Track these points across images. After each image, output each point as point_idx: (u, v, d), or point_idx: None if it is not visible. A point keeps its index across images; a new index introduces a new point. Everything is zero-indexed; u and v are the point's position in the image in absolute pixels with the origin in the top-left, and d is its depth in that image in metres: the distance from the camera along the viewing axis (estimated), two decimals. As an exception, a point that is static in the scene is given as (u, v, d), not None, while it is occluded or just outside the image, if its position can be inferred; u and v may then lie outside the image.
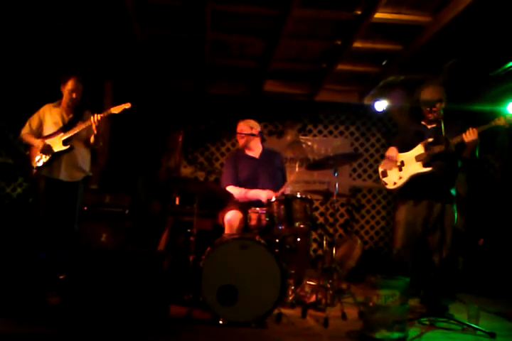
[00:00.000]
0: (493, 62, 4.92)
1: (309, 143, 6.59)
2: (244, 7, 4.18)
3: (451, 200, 3.90)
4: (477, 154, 3.81)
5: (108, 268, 3.22)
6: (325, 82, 5.75)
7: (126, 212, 4.85)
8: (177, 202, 5.06)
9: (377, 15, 4.06)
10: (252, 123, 4.42)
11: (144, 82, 5.93)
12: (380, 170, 4.21)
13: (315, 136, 6.63)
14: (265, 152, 4.46)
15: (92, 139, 4.11)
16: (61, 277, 3.73)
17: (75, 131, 4.03)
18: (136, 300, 3.13)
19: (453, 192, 3.97)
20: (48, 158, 4.06)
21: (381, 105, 5.88)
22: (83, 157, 4.18)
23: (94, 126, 3.95)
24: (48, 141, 4.09)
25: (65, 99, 4.17)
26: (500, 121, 3.55)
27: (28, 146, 4.21)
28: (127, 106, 3.92)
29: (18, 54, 5.29)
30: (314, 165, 4.40)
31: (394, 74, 5.41)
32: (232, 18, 4.44)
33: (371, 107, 6.00)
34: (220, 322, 3.16)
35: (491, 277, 5.29)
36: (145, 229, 5.15)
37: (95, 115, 3.94)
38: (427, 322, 3.39)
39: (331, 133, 6.65)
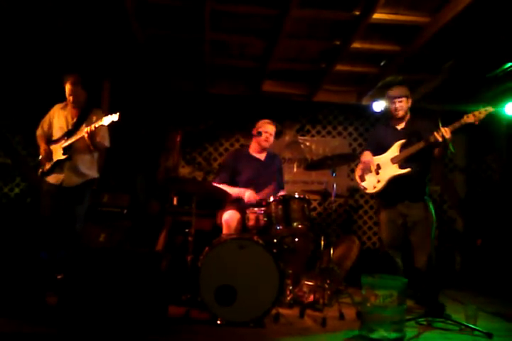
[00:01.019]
0: (491, 63, 4.93)
1: (307, 144, 6.59)
2: (244, 7, 4.18)
3: (426, 199, 4.00)
4: (448, 152, 3.80)
5: (106, 268, 3.22)
6: (323, 83, 5.75)
7: (125, 212, 4.85)
8: (175, 202, 5.06)
9: (376, 15, 4.06)
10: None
11: (143, 81, 5.92)
12: (357, 175, 4.24)
13: (313, 136, 6.63)
14: (269, 155, 4.48)
15: (91, 147, 4.11)
16: (59, 277, 3.73)
17: (72, 140, 4.04)
18: (134, 300, 3.13)
19: (427, 190, 4.07)
20: (49, 165, 4.12)
21: (379, 106, 5.88)
22: (86, 161, 4.18)
23: (86, 137, 3.95)
24: (52, 147, 4.15)
25: (68, 98, 4.18)
26: (470, 119, 3.57)
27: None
28: (115, 118, 3.88)
29: (16, 53, 5.28)
30: (312, 165, 4.40)
31: (392, 74, 5.41)
32: (231, 18, 4.43)
33: (369, 108, 6.00)
34: (218, 322, 3.17)
35: (489, 277, 5.30)
36: (143, 229, 5.14)
37: (88, 127, 3.93)
38: (425, 323, 3.41)
39: (329, 133, 6.66)
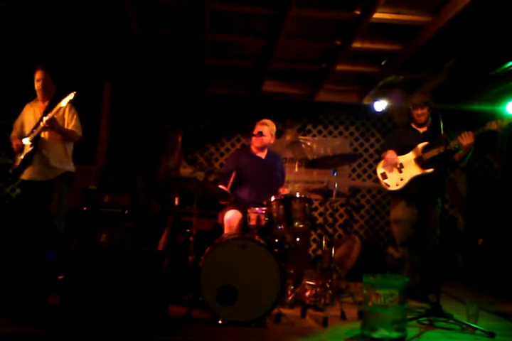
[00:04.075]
0: (492, 62, 4.92)
1: (309, 143, 6.59)
2: (243, 7, 4.18)
3: (437, 199, 4.19)
4: (468, 156, 4.02)
5: (108, 268, 3.22)
6: (324, 82, 5.75)
7: (126, 212, 4.84)
8: (176, 202, 5.06)
9: (376, 15, 4.06)
10: None
11: (143, 82, 5.92)
12: (380, 171, 4.33)
13: (314, 136, 6.63)
14: (270, 154, 4.52)
15: (62, 138, 4.05)
16: (60, 277, 3.72)
17: (38, 131, 3.94)
18: (136, 299, 3.13)
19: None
20: (20, 160, 4.04)
21: (380, 105, 5.87)
22: (57, 154, 4.07)
23: (46, 126, 3.85)
24: (23, 141, 4.07)
25: (37, 93, 4.13)
26: (492, 126, 3.76)
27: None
28: (71, 96, 3.83)
29: (16, 53, 5.28)
30: (313, 163, 4.43)
31: (393, 74, 5.41)
32: (231, 18, 4.44)
33: (370, 107, 6.00)
34: (220, 322, 3.17)
35: (490, 276, 5.30)
36: (144, 229, 5.15)
37: (45, 116, 3.86)
38: (426, 322, 3.40)
39: (330, 133, 6.65)
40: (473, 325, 3.26)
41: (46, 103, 4.15)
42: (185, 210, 4.87)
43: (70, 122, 4.08)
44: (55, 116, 3.90)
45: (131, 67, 5.65)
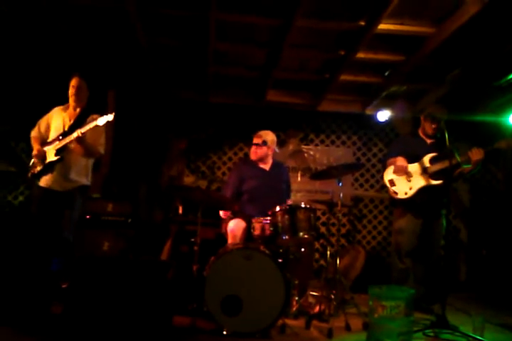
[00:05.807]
0: (496, 73, 4.94)
1: (311, 153, 6.59)
2: (248, 17, 4.20)
3: (442, 211, 4.23)
4: (475, 171, 4.04)
5: (111, 277, 3.21)
6: (328, 92, 5.76)
7: (129, 220, 4.83)
8: (180, 211, 5.05)
9: (381, 26, 4.08)
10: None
11: (147, 90, 5.95)
12: (387, 178, 4.27)
13: (317, 145, 6.63)
14: (274, 165, 4.47)
15: (82, 153, 4.01)
16: (64, 286, 3.70)
17: (66, 142, 3.90)
18: (140, 309, 3.11)
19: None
20: (40, 167, 4.01)
21: (383, 115, 5.89)
22: (79, 166, 4.04)
23: (75, 141, 3.84)
24: (46, 149, 4.03)
25: (69, 99, 4.09)
26: (502, 145, 3.83)
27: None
28: (110, 118, 3.80)
29: (20, 60, 5.30)
30: (317, 175, 4.42)
31: (396, 84, 5.43)
32: (235, 27, 4.46)
33: (373, 117, 6.01)
34: (224, 332, 3.15)
35: (494, 288, 5.27)
36: (147, 237, 5.13)
37: (77, 130, 3.81)
38: (432, 334, 3.37)
39: (333, 142, 6.65)
40: (479, 338, 3.23)
41: (77, 111, 4.12)
42: (189, 219, 4.87)
43: (98, 138, 4.04)
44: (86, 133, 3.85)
45: (136, 76, 5.67)
